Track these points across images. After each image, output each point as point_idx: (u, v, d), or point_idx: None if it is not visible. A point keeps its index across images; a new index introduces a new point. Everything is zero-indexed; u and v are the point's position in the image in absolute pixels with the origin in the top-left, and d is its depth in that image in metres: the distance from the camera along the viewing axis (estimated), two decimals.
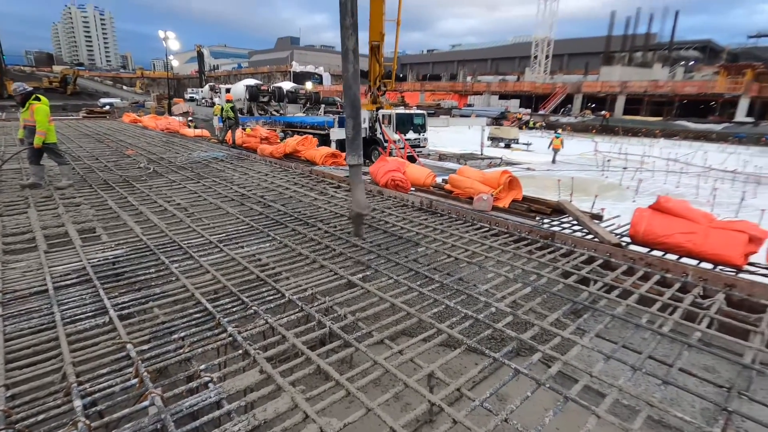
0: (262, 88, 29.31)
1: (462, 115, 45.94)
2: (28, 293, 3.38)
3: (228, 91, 32.52)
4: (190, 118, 26.36)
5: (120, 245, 4.55)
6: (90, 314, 3.12)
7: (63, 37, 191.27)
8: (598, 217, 6.20)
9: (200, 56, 69.09)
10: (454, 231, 5.37)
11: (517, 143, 27.48)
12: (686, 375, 2.68)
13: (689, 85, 41.79)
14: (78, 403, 2.15)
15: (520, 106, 49.16)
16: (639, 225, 4.89)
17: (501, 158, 22.53)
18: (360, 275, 3.95)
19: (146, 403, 2.19)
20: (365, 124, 19.97)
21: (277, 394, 2.33)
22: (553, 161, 21.73)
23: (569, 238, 5.08)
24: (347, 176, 8.44)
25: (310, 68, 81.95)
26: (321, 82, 75.52)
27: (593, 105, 45.77)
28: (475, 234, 5.33)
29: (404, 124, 19.64)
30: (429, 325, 3.10)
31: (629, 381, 2.52)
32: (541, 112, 45.73)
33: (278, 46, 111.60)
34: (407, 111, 21.11)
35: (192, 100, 47.98)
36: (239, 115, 27.73)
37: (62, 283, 3.59)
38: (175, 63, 46.31)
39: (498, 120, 41.62)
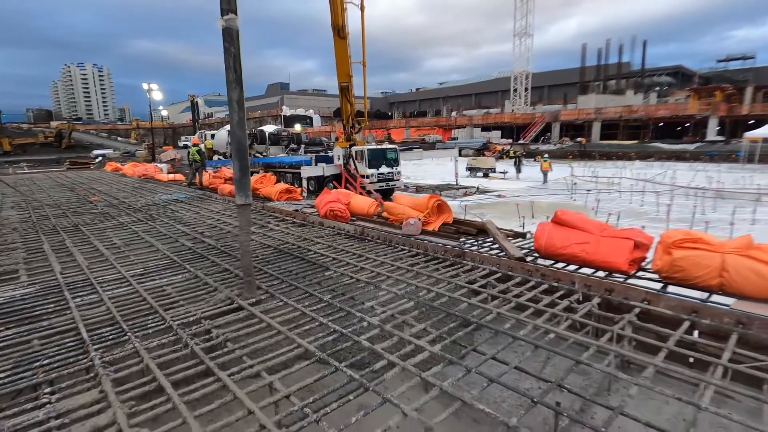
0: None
1: (446, 148, 46.96)
2: None
3: (212, 137, 33.38)
4: (169, 163, 26.94)
5: (33, 284, 4.68)
6: None
7: (62, 94, 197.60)
8: (522, 235, 6.40)
9: (194, 105, 71.48)
10: (371, 255, 5.53)
11: (495, 172, 28.03)
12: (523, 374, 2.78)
13: (663, 108, 43.18)
14: None
15: (501, 137, 50.39)
16: (541, 239, 5.08)
17: (477, 187, 22.95)
18: (254, 300, 4.08)
19: None
20: (339, 161, 20.52)
21: (104, 410, 2.42)
22: (545, 182, 22.93)
23: (478, 255, 5.24)
24: (295, 210, 8.69)
25: (300, 111, 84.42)
26: (311, 124, 77.66)
27: (571, 132, 47.03)
28: (392, 256, 5.49)
29: (377, 159, 20.15)
30: (290, 340, 3.21)
31: (459, 380, 2.63)
32: (521, 141, 46.87)
33: (269, 92, 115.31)
34: (379, 146, 21.73)
35: (185, 147, 49.28)
36: (223, 158, 28.15)
37: None
38: (164, 113, 47.72)
39: (480, 151, 42.55)
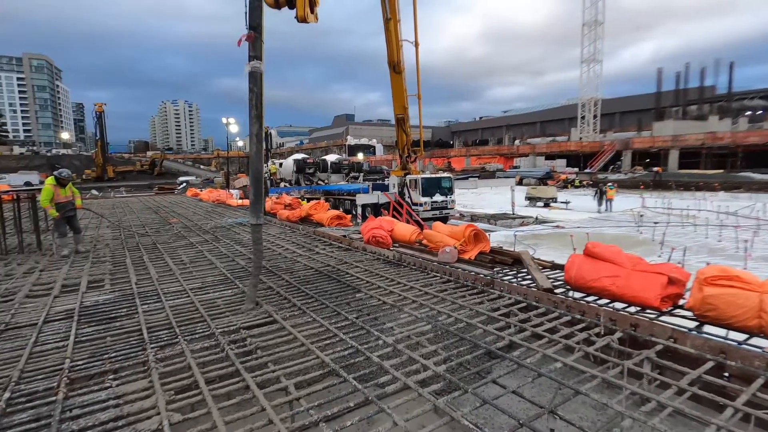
0: (308, 161, 32.05)
1: (507, 177, 46.13)
2: (19, 325, 4.36)
3: (281, 165, 35.78)
4: (240, 190, 29.21)
5: (113, 292, 5.54)
6: (56, 340, 3.98)
7: (158, 127, 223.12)
8: (560, 267, 6.31)
9: (267, 136, 77.47)
10: (404, 280, 5.80)
11: (556, 202, 27.03)
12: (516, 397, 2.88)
13: (755, 135, 39.20)
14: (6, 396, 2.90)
15: (567, 166, 48.49)
16: (571, 270, 5.04)
17: (535, 217, 22.30)
18: (287, 314, 4.53)
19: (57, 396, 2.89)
20: (394, 189, 21.11)
21: (150, 396, 2.92)
22: (608, 210, 21.95)
23: (507, 284, 5.30)
24: (343, 235, 9.23)
25: (364, 141, 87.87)
26: (374, 153, 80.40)
27: (646, 160, 44.04)
28: (423, 282, 5.72)
29: (431, 187, 20.48)
30: (311, 352, 3.57)
31: (454, 399, 2.80)
32: (588, 170, 44.72)
33: (335, 123, 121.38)
34: (433, 175, 22.06)
35: None
36: (288, 185, 29.99)
37: (51, 319, 4.55)
38: (240, 143, 52.22)
39: (543, 180, 41.25)
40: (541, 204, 27.49)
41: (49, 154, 79.92)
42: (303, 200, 17.44)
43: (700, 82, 56.29)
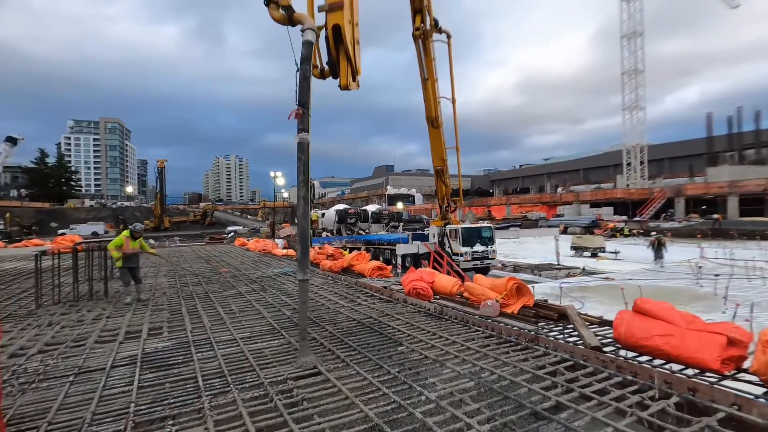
0: (350, 211, 32.98)
1: (550, 226, 44.95)
2: (89, 370, 4.75)
3: (323, 215, 36.97)
4: (285, 239, 30.27)
5: (171, 339, 5.91)
6: (122, 384, 4.31)
7: (211, 180, 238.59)
8: (609, 323, 6.09)
9: (311, 187, 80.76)
10: (445, 333, 5.80)
11: (604, 252, 25.90)
12: None
13: None
14: None
15: (614, 214, 46.70)
16: (620, 327, 4.88)
17: (582, 268, 21.43)
18: (332, 366, 4.65)
19: None
20: (434, 239, 21.16)
21: None
22: (658, 261, 21.04)
23: (552, 341, 5.18)
24: (384, 286, 9.37)
25: (403, 190, 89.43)
26: (413, 202, 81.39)
27: (703, 207, 41.62)
28: (464, 336, 5.69)
29: (471, 237, 20.37)
30: (355, 405, 3.65)
31: None
32: (637, 218, 42.77)
33: (375, 174, 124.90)
34: (473, 225, 21.99)
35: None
36: (330, 234, 30.73)
37: (118, 364, 4.93)
38: (286, 195, 54.72)
39: (589, 229, 39.82)
40: (587, 254, 26.44)
41: (114, 207, 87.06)
42: (345, 250, 17.85)
43: (755, 125, 53.78)
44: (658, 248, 21.40)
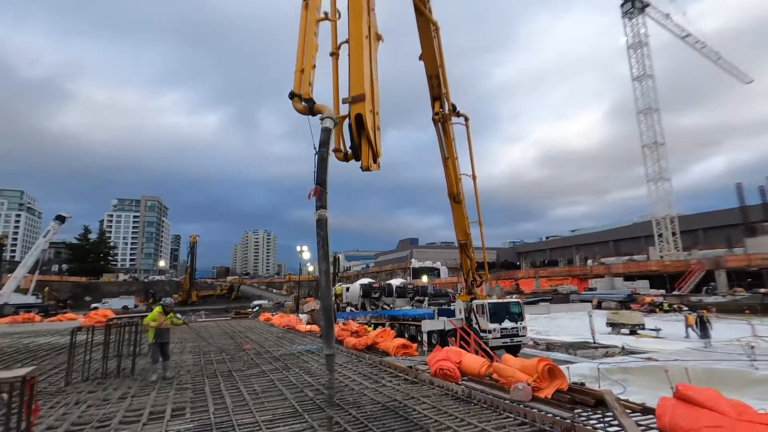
0: (374, 285, 32.74)
1: (582, 300, 43.02)
2: None
3: (347, 290, 36.85)
4: (308, 314, 30.01)
5: (193, 421, 5.84)
6: None
7: (239, 254, 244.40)
8: (652, 411, 5.66)
9: (335, 261, 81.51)
10: (474, 420, 5.51)
11: (643, 329, 24.33)
12: None
13: None
14: None
15: (650, 287, 44.48)
16: (663, 417, 4.56)
17: (621, 347, 20.09)
18: None
19: None
20: (461, 315, 20.57)
21: None
22: (687, 336, 19.37)
23: (590, 431, 4.84)
24: (409, 366, 9.10)
25: (428, 263, 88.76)
26: (438, 276, 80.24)
27: (747, 280, 39.22)
28: (495, 424, 5.38)
29: (499, 312, 19.68)
30: None
31: None
32: (676, 292, 40.51)
33: (400, 247, 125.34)
34: (501, 300, 21.37)
35: None
36: (354, 309, 30.35)
37: None
38: (311, 268, 55.19)
39: (625, 304, 37.84)
40: (625, 331, 24.89)
41: (146, 281, 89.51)
42: (369, 326, 17.53)
43: None
44: (702, 325, 19.94)
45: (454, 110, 17.51)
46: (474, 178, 18.92)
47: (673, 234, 53.91)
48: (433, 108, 17.36)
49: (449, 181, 18.64)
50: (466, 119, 18.26)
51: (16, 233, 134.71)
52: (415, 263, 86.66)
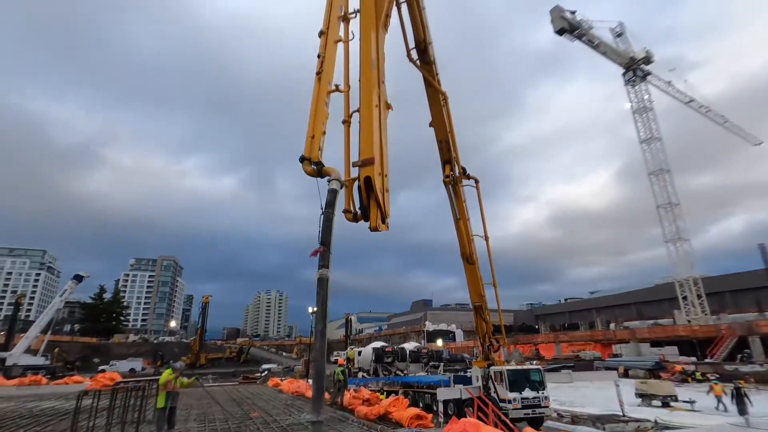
0: (387, 349, 31.71)
1: (607, 368, 40.63)
2: None
3: (360, 353, 35.70)
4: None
5: None
6: None
7: (251, 315, 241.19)
8: None
9: (348, 323, 79.59)
10: None
11: (676, 400, 22.63)
12: None
13: None
14: None
15: (680, 354, 41.95)
16: None
17: (654, 421, 18.62)
18: None
19: None
20: (478, 383, 19.57)
21: None
22: (718, 408, 18.11)
23: None
24: None
25: (442, 326, 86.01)
26: (454, 339, 77.36)
27: None
28: None
29: (519, 380, 18.65)
30: None
31: None
32: (708, 360, 38.02)
33: (413, 309, 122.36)
34: (521, 367, 20.35)
35: (335, 362, 53.21)
36: (366, 375, 29.29)
37: None
38: None
39: (654, 372, 35.56)
40: (657, 403, 23.19)
41: (155, 342, 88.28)
42: (381, 393, 16.77)
43: None
44: (739, 398, 18.47)
45: (464, 173, 17.98)
46: (486, 239, 18.92)
47: (699, 297, 51.73)
48: (443, 171, 17.88)
49: (462, 242, 18.66)
50: (477, 181, 18.68)
51: (33, 292, 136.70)
52: (429, 326, 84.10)
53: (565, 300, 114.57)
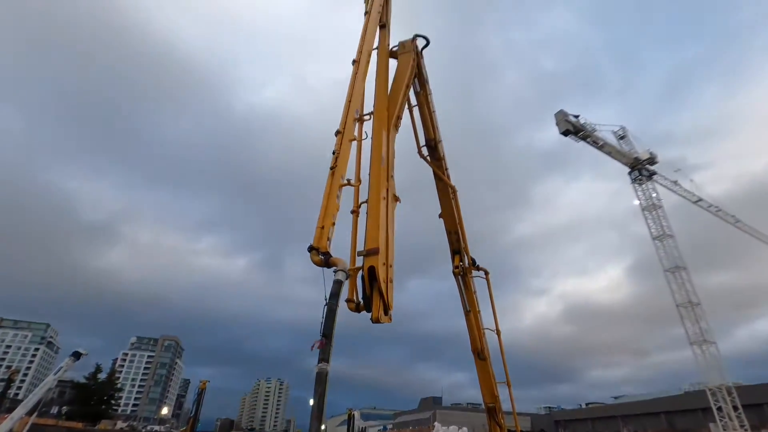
0: None
1: None
2: None
3: None
4: None
5: None
6: None
7: (248, 404, 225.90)
8: None
9: (350, 419, 73.59)
10: None
11: None
12: None
13: None
14: None
15: None
16: None
17: None
18: None
19: None
20: None
21: None
22: None
23: None
24: None
25: (453, 428, 78.89)
26: None
27: None
28: None
29: None
30: None
31: None
32: None
33: (422, 407, 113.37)
34: None
35: None
36: None
37: None
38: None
39: None
40: None
41: (143, 430, 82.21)
42: None
43: None
44: None
45: (473, 264, 17.97)
46: (498, 333, 18.22)
47: (735, 408, 47.13)
48: (453, 261, 17.91)
49: (472, 335, 17.99)
50: (486, 273, 18.55)
51: (29, 367, 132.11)
52: (439, 427, 77.21)
53: (587, 404, 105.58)
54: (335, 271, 5.55)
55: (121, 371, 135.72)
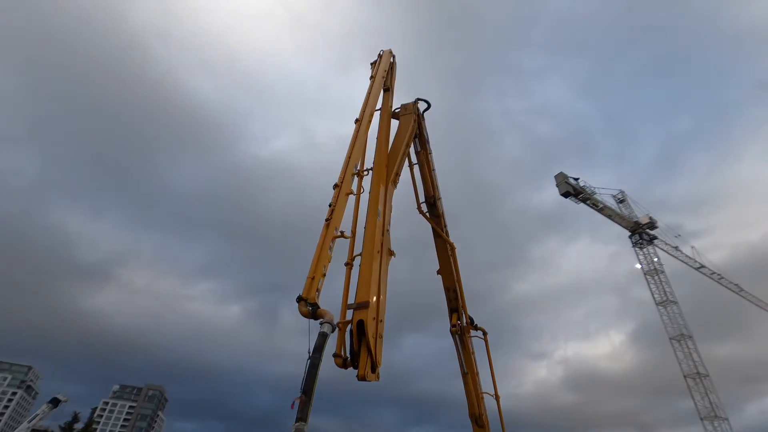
0: None
1: None
2: None
3: None
4: None
5: None
6: None
7: None
8: None
9: None
10: None
11: None
12: None
13: None
14: None
15: None
16: None
17: None
18: None
19: None
20: None
21: None
22: None
23: None
24: None
25: None
26: None
27: None
28: None
29: None
30: None
31: None
32: None
33: None
34: None
35: None
36: None
37: None
38: None
39: None
40: None
41: None
42: None
43: None
44: None
45: (471, 323, 17.54)
46: (497, 398, 17.39)
47: None
48: (450, 320, 17.51)
49: (470, 399, 17.17)
50: (485, 333, 18.05)
51: (2, 414, 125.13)
52: None
53: None
54: (321, 323, 5.42)
55: (99, 422, 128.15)
